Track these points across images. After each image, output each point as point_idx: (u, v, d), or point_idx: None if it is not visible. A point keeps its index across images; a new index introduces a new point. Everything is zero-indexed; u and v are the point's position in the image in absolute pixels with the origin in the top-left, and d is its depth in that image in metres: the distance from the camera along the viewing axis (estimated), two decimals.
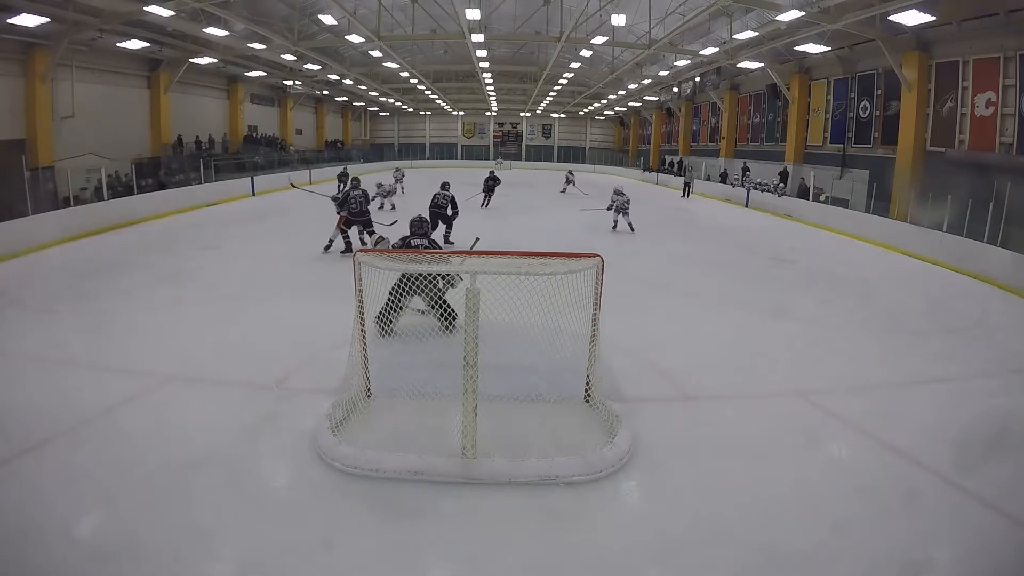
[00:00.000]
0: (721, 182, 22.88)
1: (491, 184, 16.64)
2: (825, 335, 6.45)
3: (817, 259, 11.18)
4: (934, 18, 11.68)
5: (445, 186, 10.64)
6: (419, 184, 18.21)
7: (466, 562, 2.91)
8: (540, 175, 32.72)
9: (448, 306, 5.15)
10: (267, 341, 5.63)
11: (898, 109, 14.72)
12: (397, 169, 20.89)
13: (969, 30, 12.45)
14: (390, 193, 15.85)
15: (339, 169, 20.81)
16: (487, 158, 41.70)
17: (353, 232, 9.66)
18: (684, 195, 22.65)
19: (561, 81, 27.58)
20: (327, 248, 9.67)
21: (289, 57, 20.02)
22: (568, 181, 22.75)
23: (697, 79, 24.95)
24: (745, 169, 21.56)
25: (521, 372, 4.58)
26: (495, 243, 8.73)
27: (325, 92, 30.73)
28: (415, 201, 12.84)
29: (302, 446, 3.75)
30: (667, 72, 22.98)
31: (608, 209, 13.12)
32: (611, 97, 31.49)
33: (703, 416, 4.45)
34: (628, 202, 12.93)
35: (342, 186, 17.30)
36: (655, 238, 12.73)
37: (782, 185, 18.71)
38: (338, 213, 9.54)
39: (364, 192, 9.63)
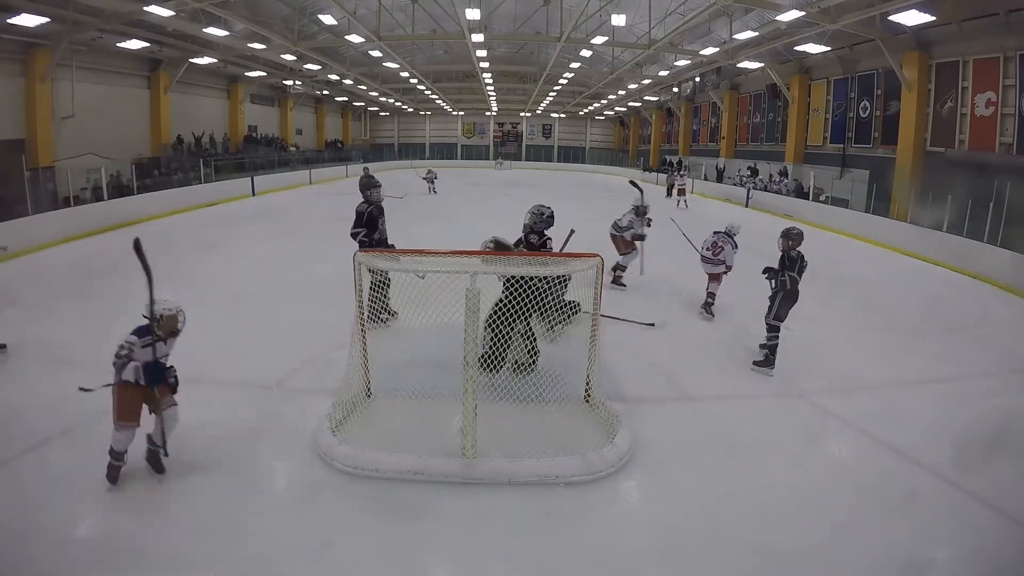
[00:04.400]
0: (717, 181, 22.76)
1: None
2: (825, 335, 6.45)
3: (817, 259, 11.05)
4: (934, 18, 11.67)
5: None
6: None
7: (466, 562, 2.91)
8: (541, 175, 32.69)
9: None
10: (267, 341, 5.64)
11: (898, 109, 14.70)
12: (429, 171, 22.06)
13: (969, 30, 12.44)
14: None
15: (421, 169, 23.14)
16: (487, 158, 41.70)
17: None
18: (667, 195, 20.44)
19: (561, 81, 27.54)
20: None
21: (289, 57, 19.99)
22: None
23: (697, 79, 24.91)
24: (754, 171, 21.20)
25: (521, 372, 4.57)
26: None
27: (325, 92, 30.68)
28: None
29: (302, 446, 3.75)
30: (667, 72, 22.96)
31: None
32: (611, 97, 31.45)
33: (703, 416, 4.45)
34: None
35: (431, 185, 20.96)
36: (654, 237, 12.68)
37: (785, 180, 18.76)
38: None
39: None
